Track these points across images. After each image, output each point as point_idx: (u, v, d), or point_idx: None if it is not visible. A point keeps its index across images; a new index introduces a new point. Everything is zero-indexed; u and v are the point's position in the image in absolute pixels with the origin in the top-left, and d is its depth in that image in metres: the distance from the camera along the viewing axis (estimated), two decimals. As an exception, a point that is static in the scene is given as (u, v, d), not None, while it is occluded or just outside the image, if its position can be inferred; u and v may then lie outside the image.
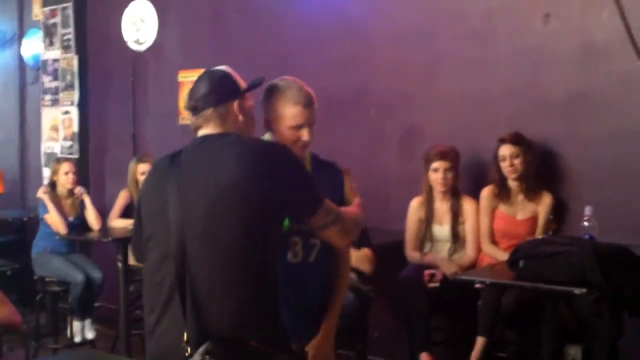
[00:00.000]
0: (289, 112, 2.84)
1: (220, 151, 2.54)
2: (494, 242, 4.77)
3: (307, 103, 2.86)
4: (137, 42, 6.84)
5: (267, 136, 2.90)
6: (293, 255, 2.85)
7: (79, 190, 6.28)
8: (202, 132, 2.66)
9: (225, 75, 2.69)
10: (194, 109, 2.66)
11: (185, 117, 6.68)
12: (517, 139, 4.66)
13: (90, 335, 6.01)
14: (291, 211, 2.58)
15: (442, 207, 4.91)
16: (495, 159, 4.71)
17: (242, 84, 2.71)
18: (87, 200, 6.27)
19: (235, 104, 2.65)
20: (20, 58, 8.17)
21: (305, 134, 2.85)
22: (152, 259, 2.60)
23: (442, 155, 4.83)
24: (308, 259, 2.87)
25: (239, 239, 2.43)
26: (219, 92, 2.65)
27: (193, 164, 2.54)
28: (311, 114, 2.87)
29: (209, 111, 2.63)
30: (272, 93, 2.87)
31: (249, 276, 2.45)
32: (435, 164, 4.83)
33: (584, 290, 3.40)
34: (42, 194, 6.21)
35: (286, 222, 2.66)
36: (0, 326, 3.28)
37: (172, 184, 2.52)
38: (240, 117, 2.66)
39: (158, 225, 2.55)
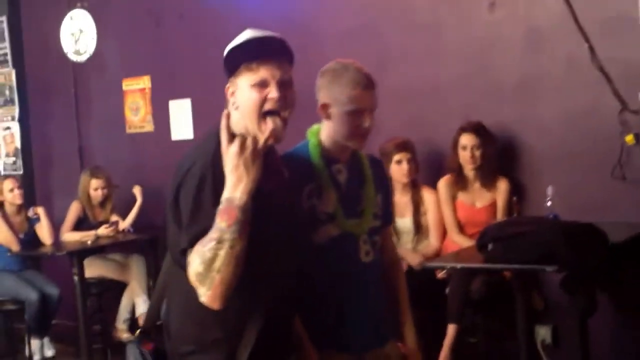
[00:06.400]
0: (347, 96, 2.53)
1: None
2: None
3: (367, 85, 2.55)
4: (77, 52, 6.72)
5: (323, 125, 2.63)
6: (365, 254, 2.59)
7: (37, 210, 6.12)
8: None
9: (225, 52, 2.39)
10: None
11: (132, 126, 6.60)
12: (478, 129, 4.67)
13: (49, 353, 5.90)
14: None
15: (402, 199, 4.90)
16: (455, 147, 4.72)
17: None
18: (43, 216, 6.08)
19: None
20: (-44, 75, 7.94)
21: (366, 120, 2.55)
22: None
23: (404, 147, 4.81)
24: (376, 258, 2.63)
25: (169, 242, 2.34)
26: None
27: None
28: (372, 97, 2.57)
29: None
30: (326, 76, 2.58)
31: (175, 282, 2.35)
32: (397, 156, 4.79)
33: (556, 267, 3.41)
34: None
35: (346, 223, 2.55)
36: None
37: None
38: (230, 102, 2.35)
39: None
